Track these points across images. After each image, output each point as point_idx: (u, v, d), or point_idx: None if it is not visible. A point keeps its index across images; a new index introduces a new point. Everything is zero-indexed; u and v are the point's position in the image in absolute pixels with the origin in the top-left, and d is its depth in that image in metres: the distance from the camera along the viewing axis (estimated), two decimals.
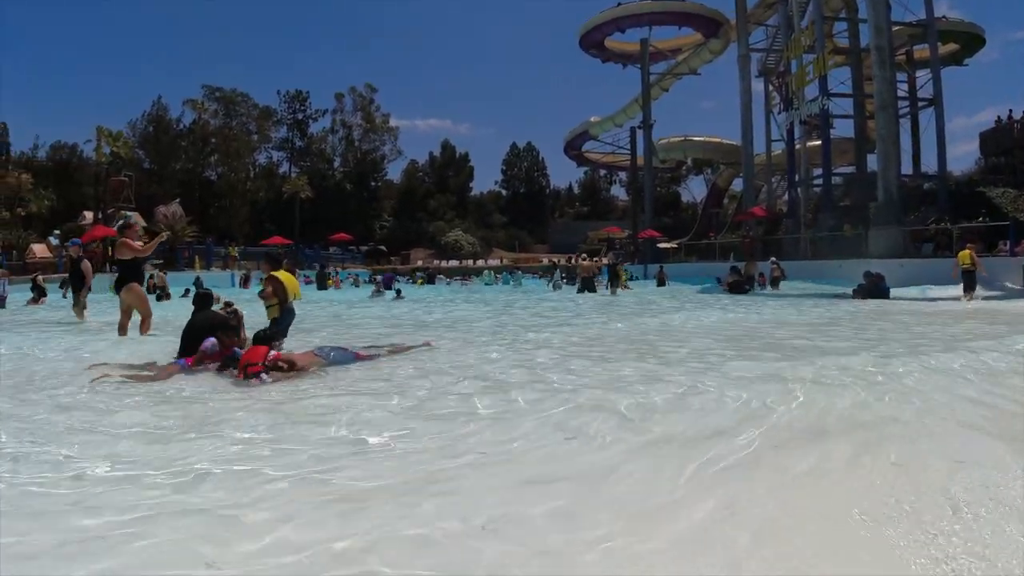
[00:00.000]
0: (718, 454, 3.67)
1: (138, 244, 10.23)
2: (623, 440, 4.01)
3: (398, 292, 25.06)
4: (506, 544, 2.62)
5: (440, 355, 7.99)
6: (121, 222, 10.67)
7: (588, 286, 25.21)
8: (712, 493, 3.12)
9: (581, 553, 2.56)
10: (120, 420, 4.68)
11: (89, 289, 14.68)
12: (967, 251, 18.09)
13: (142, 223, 46.45)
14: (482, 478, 3.39)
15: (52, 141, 66.75)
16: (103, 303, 20.32)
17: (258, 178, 72.55)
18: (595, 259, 32.58)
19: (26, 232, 48.07)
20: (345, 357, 7.45)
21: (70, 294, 15.49)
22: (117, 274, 10.73)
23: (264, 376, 6.37)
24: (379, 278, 30.78)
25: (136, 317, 10.53)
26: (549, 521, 2.83)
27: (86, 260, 15.11)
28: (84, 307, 14.22)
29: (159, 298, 22.05)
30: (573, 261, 41.61)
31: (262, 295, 9.21)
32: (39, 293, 22.81)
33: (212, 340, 7.41)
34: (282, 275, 9.37)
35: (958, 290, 17.72)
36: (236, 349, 7.17)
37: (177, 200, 53.60)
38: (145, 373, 6.82)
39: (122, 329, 10.30)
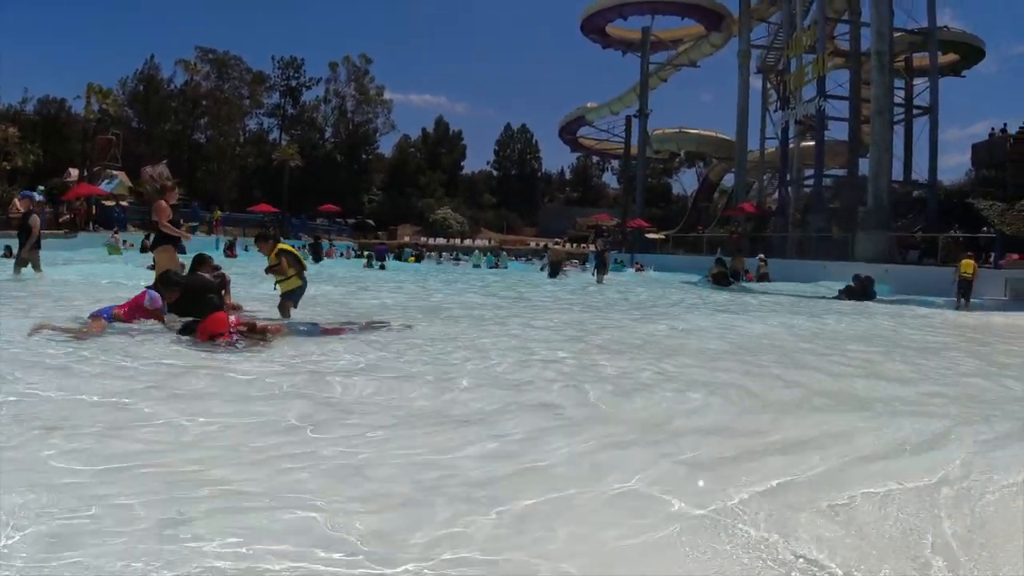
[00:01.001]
0: None
1: (167, 214, 10.00)
2: None
3: (382, 265, 26.31)
4: None
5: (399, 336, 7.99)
6: (159, 186, 10.59)
7: (555, 272, 26.27)
8: None
9: None
10: None
11: (37, 247, 14.30)
12: (970, 261, 18.67)
13: (128, 183, 46.13)
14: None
15: (41, 95, 65.65)
16: (81, 262, 20.15)
17: (248, 144, 71.66)
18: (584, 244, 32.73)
19: (10, 187, 47.30)
20: (311, 330, 7.47)
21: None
22: (154, 234, 10.66)
23: (236, 341, 6.39)
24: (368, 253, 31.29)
25: None
26: None
27: (35, 215, 14.64)
28: (24, 264, 14.07)
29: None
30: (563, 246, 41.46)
31: (276, 270, 9.05)
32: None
33: (154, 293, 7.36)
34: (287, 247, 9.43)
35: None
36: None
37: (164, 161, 52.82)
38: (72, 326, 6.92)
39: None
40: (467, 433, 3.98)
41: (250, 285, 13.72)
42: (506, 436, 3.94)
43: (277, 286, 9.24)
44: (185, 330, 6.94)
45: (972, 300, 18.40)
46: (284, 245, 9.42)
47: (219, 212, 45.76)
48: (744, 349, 8.29)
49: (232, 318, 6.84)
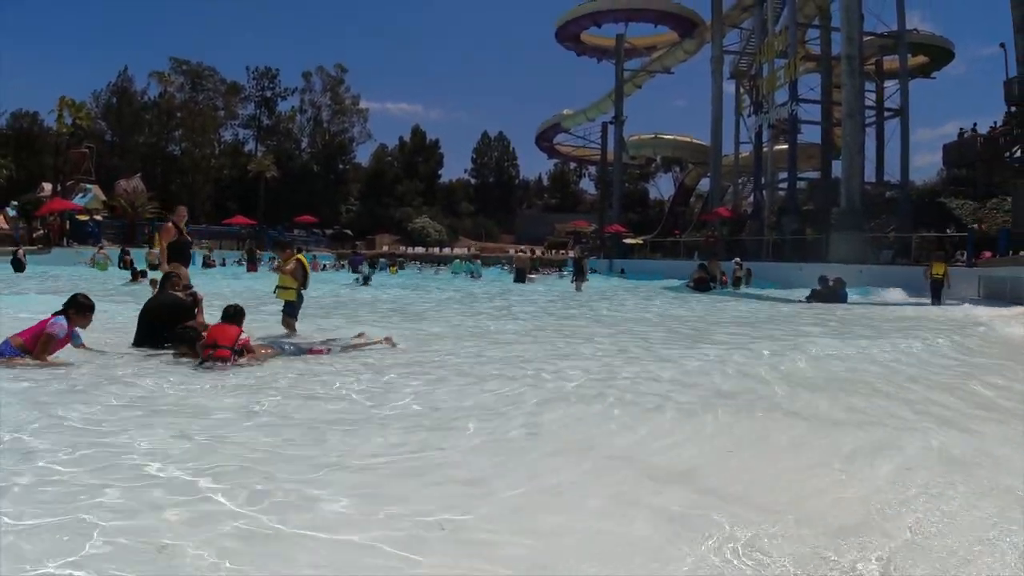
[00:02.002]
0: None
1: (168, 237, 10.26)
2: None
3: (366, 279, 24.72)
4: None
5: (391, 355, 7.95)
6: (178, 208, 10.93)
7: (521, 277, 27.00)
8: None
9: None
10: None
11: None
12: (942, 263, 19.21)
13: (102, 196, 45.66)
14: None
15: (13, 109, 64.84)
16: (50, 277, 19.93)
17: (223, 155, 71.28)
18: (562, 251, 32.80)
19: None
20: (298, 351, 7.46)
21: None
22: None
23: (236, 360, 6.36)
24: (344, 262, 30.73)
25: None
26: None
27: None
28: None
29: (133, 277, 21.23)
30: (541, 253, 41.57)
31: (284, 270, 9.55)
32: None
33: (60, 320, 6.44)
34: (303, 259, 9.92)
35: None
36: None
37: (139, 174, 52.46)
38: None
39: None
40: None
41: (221, 301, 13.60)
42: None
43: (276, 291, 9.71)
44: (180, 339, 6.91)
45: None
46: (302, 257, 10.00)
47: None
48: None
49: (244, 336, 6.84)
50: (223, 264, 33.15)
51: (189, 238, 10.72)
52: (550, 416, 5.09)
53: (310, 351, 7.56)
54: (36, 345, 6.24)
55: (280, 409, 5.10)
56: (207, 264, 30.53)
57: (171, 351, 7.15)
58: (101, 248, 31.33)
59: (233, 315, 7.19)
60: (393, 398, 5.58)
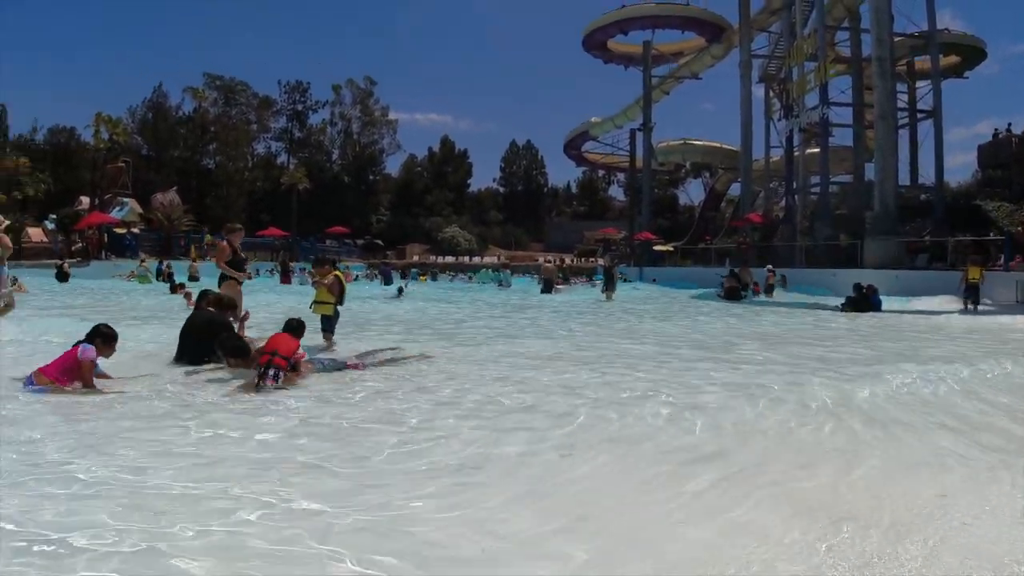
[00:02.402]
0: None
1: (224, 257, 10.37)
2: None
3: (400, 291, 24.84)
4: None
5: (431, 368, 7.99)
6: (228, 225, 11.25)
7: (548, 287, 26.94)
8: None
9: None
10: None
11: None
12: (978, 267, 18.86)
13: (138, 210, 46.58)
14: None
15: (50, 124, 66.43)
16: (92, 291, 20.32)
17: (256, 168, 72.34)
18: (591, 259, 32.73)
19: (22, 215, 47.83)
20: (337, 365, 7.58)
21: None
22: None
23: (279, 377, 6.42)
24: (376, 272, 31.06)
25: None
26: None
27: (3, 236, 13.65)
28: None
29: (172, 289, 21.65)
30: (571, 261, 41.54)
31: (322, 284, 9.84)
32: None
33: (88, 346, 6.27)
34: (341, 275, 10.34)
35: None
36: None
37: (174, 188, 53.44)
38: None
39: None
40: None
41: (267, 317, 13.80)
42: None
43: (313, 306, 9.91)
44: (225, 349, 7.07)
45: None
46: (339, 272, 10.42)
47: (210, 237, 45.49)
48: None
49: (301, 351, 7.01)
50: (257, 274, 33.61)
51: (243, 255, 10.89)
52: None
53: (347, 365, 7.69)
54: (71, 376, 6.12)
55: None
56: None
57: (214, 365, 7.34)
58: (143, 262, 31.98)
59: (296, 328, 7.43)
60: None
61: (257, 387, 6.25)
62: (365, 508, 3.42)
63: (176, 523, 3.10)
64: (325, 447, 4.52)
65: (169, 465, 4.01)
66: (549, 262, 30.60)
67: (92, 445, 4.40)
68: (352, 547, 2.93)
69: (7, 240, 11.59)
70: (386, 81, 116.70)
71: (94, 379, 6.27)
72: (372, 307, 18.47)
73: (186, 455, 4.27)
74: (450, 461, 4.30)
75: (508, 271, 35.31)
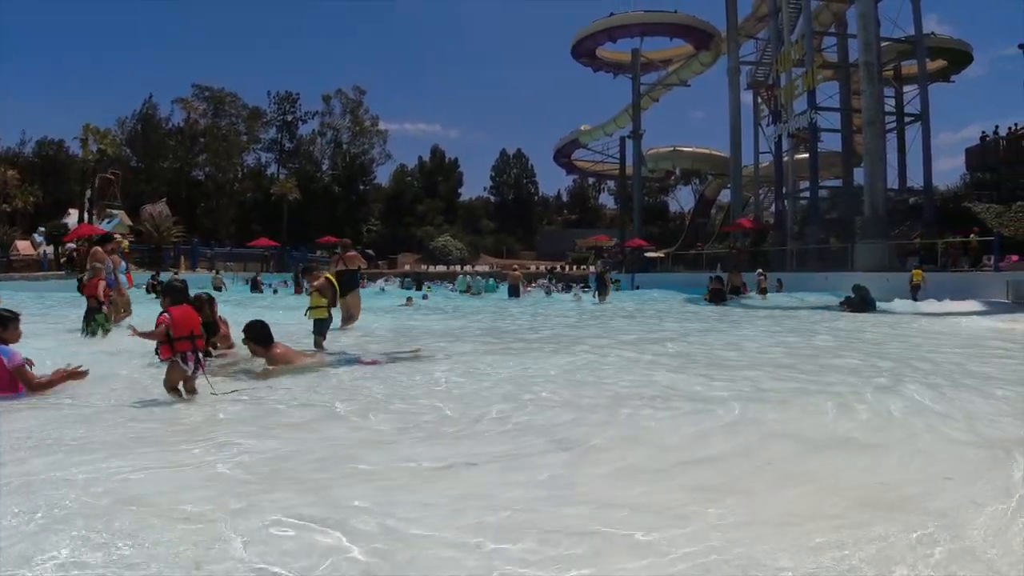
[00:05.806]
0: None
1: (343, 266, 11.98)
2: None
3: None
4: None
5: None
6: (346, 240, 12.37)
7: (514, 292, 27.90)
8: None
9: None
10: None
11: None
12: (919, 271, 21.56)
13: (128, 221, 46.34)
14: None
15: (39, 136, 66.08)
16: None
17: (246, 179, 72.14)
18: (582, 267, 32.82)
19: (11, 228, 47.55)
20: (349, 359, 7.59)
21: None
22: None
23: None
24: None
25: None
26: None
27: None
28: None
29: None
30: (564, 269, 41.65)
31: (313, 287, 10.14)
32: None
33: (6, 348, 5.64)
34: (331, 276, 10.64)
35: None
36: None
37: (164, 199, 53.24)
38: None
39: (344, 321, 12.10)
40: None
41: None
42: None
43: (308, 312, 9.95)
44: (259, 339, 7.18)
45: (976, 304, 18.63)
46: (331, 276, 10.73)
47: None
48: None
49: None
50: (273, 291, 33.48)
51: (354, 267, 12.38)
52: None
53: (360, 360, 7.65)
54: (13, 387, 5.56)
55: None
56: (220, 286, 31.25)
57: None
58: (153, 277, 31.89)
59: (194, 300, 6.60)
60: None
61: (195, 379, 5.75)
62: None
63: None
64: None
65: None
66: (515, 269, 31.66)
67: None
68: None
69: (110, 257, 11.92)
70: (375, 91, 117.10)
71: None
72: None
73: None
74: None
75: (480, 278, 35.47)
